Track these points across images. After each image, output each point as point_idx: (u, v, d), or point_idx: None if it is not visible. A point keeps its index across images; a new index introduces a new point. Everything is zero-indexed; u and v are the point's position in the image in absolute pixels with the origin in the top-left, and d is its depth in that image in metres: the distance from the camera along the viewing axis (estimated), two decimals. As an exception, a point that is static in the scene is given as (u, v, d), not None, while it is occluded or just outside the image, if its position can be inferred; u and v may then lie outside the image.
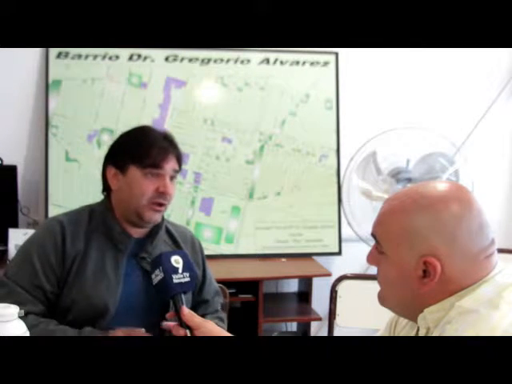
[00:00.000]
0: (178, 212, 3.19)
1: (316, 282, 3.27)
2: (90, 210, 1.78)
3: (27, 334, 1.15)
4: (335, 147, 3.44)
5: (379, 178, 3.22)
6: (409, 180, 3.17)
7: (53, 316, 1.67)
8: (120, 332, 1.60)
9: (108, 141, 3.10)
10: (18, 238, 2.86)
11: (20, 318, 1.14)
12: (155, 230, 1.78)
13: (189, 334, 1.31)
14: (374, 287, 1.22)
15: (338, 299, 2.41)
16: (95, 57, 3.22)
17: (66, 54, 3.19)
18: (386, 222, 1.15)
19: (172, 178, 1.75)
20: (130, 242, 1.75)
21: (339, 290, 2.42)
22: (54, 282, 1.68)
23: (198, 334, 1.31)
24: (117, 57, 3.25)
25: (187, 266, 1.40)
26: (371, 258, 1.19)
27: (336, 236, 3.42)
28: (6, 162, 3.15)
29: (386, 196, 2.95)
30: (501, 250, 1.21)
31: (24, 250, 1.73)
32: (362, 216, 3.18)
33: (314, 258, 3.39)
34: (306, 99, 3.43)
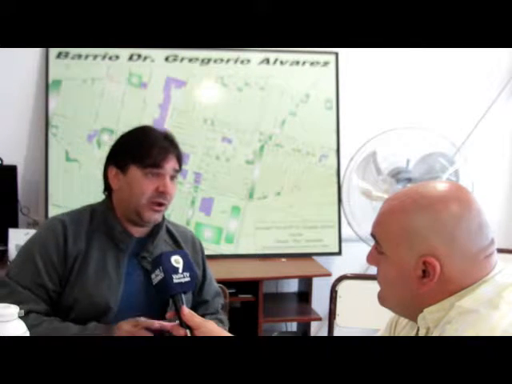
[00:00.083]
0: (178, 212, 3.19)
1: (316, 281, 3.27)
2: (92, 210, 1.79)
3: (27, 333, 1.15)
4: (335, 147, 3.44)
5: (379, 177, 3.22)
6: (409, 180, 3.17)
7: (55, 315, 1.68)
8: (124, 324, 1.60)
9: (108, 141, 3.11)
10: (18, 237, 2.86)
11: (21, 317, 1.14)
12: (156, 229, 1.79)
13: (189, 334, 1.31)
14: (373, 287, 1.22)
15: (338, 299, 2.42)
16: (95, 57, 3.22)
17: (66, 54, 3.20)
18: (386, 222, 1.15)
19: (172, 177, 1.75)
20: (131, 241, 1.76)
21: (339, 290, 2.42)
22: (56, 280, 1.68)
23: (198, 333, 1.31)
24: (117, 57, 3.25)
25: (187, 266, 1.40)
26: (371, 258, 1.19)
27: (336, 236, 3.42)
28: (6, 161, 3.15)
29: (385, 196, 2.95)
30: (501, 250, 1.22)
31: (26, 249, 1.74)
32: (362, 216, 3.18)
33: (314, 257, 3.39)
34: (306, 99, 3.43)
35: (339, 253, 3.42)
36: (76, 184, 3.17)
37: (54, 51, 3.20)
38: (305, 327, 3.42)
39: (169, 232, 1.86)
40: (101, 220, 1.76)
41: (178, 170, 1.77)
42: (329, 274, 3.11)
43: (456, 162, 3.29)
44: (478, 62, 3.62)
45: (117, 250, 1.74)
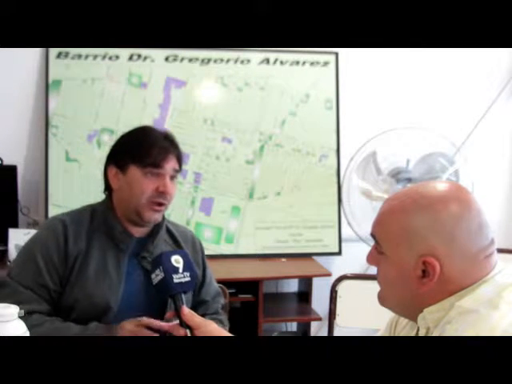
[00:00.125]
0: (178, 212, 3.19)
1: (316, 281, 3.27)
2: (92, 210, 1.79)
3: (27, 333, 1.15)
4: (335, 147, 3.44)
5: (379, 177, 3.22)
6: (409, 180, 3.17)
7: (56, 315, 1.68)
8: (127, 324, 1.60)
9: (108, 141, 3.11)
10: (18, 237, 2.86)
11: (23, 317, 1.15)
12: (156, 229, 1.79)
13: (189, 334, 1.31)
14: (373, 287, 1.22)
15: (338, 299, 2.42)
16: (95, 57, 3.22)
17: (66, 54, 3.20)
18: (386, 222, 1.15)
19: (172, 177, 1.75)
20: (132, 241, 1.76)
21: (339, 290, 2.42)
22: (57, 280, 1.69)
23: (198, 333, 1.31)
24: (117, 57, 3.25)
25: (188, 266, 1.40)
26: (371, 258, 1.19)
27: (336, 236, 3.42)
28: (6, 161, 3.15)
29: (385, 196, 2.95)
30: (501, 250, 1.22)
31: (27, 249, 1.74)
32: (362, 216, 3.18)
33: (314, 258, 3.39)
34: (306, 99, 3.43)
35: (339, 253, 3.42)
36: (76, 184, 3.17)
37: (53, 51, 3.20)
38: (305, 327, 3.42)
39: (169, 232, 1.86)
40: (101, 220, 1.76)
41: (178, 170, 1.77)
42: (329, 274, 3.11)
43: (456, 161, 3.29)
44: (478, 62, 3.62)
45: (117, 250, 1.74)
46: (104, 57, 3.23)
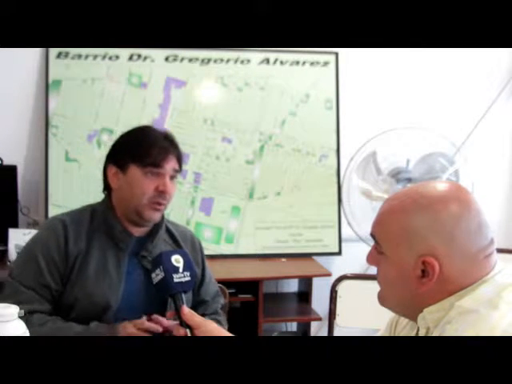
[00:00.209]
0: (177, 212, 3.18)
1: (316, 282, 3.27)
2: (92, 210, 1.79)
3: (27, 333, 1.15)
4: (335, 147, 3.44)
5: (379, 177, 3.22)
6: (409, 180, 3.17)
7: (56, 314, 1.69)
8: (129, 326, 1.61)
9: (108, 141, 3.11)
10: (18, 237, 2.86)
11: (23, 317, 1.15)
12: (155, 228, 1.79)
13: (189, 334, 1.31)
14: (373, 287, 1.22)
15: (338, 299, 2.41)
16: (95, 57, 3.22)
17: (66, 54, 3.20)
18: (386, 221, 1.15)
19: (172, 177, 1.75)
20: (131, 240, 1.76)
21: (339, 290, 2.42)
22: (58, 280, 1.70)
23: (198, 333, 1.31)
24: (117, 57, 3.25)
25: (188, 266, 1.40)
26: (371, 259, 1.19)
27: (336, 236, 3.42)
28: (6, 162, 3.15)
29: (385, 196, 2.95)
30: (501, 250, 1.22)
31: (28, 250, 1.75)
32: (362, 216, 3.18)
33: (314, 257, 3.39)
34: (306, 99, 3.43)
35: (339, 253, 3.42)
36: (76, 184, 3.17)
37: (53, 51, 3.20)
38: (305, 327, 3.42)
39: (168, 231, 1.86)
40: (101, 220, 1.76)
41: (178, 170, 1.77)
42: (329, 274, 3.11)
43: (456, 161, 3.29)
44: (478, 62, 3.62)
45: (117, 249, 1.74)
46: (104, 57, 3.23)
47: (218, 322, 1.86)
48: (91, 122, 3.21)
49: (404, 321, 1.27)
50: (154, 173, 1.71)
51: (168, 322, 1.58)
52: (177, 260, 1.39)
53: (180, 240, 1.86)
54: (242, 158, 3.36)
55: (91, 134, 3.21)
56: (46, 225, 1.86)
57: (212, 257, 2.84)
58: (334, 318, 2.41)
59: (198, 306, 1.86)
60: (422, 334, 1.15)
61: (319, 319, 3.23)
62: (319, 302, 3.21)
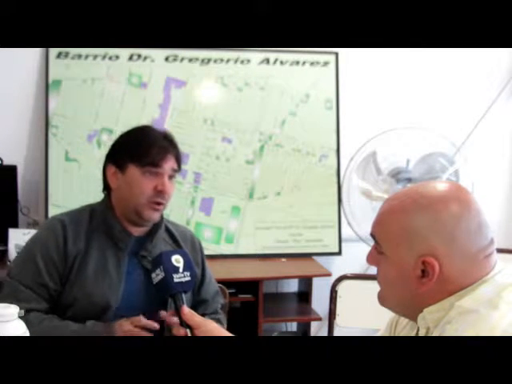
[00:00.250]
0: (177, 212, 3.18)
1: (316, 282, 3.27)
2: (91, 210, 1.79)
3: (27, 333, 1.15)
4: (335, 147, 3.44)
5: (379, 177, 3.22)
6: (409, 180, 3.17)
7: (54, 313, 1.69)
8: (125, 323, 1.61)
9: (108, 141, 3.10)
10: (18, 237, 2.86)
11: (20, 317, 1.15)
12: (155, 228, 1.79)
13: (189, 334, 1.31)
14: (373, 287, 1.22)
15: (338, 299, 2.41)
16: (95, 57, 3.22)
17: (66, 54, 3.19)
18: (386, 221, 1.15)
19: (171, 177, 1.75)
20: (130, 240, 1.76)
21: (339, 290, 2.42)
22: (57, 280, 1.70)
23: (198, 333, 1.31)
24: (117, 57, 3.24)
25: (188, 266, 1.40)
26: (371, 259, 1.19)
27: (336, 236, 3.42)
28: (6, 162, 3.14)
29: (385, 196, 2.95)
30: (501, 250, 1.22)
31: (27, 249, 1.75)
32: (362, 216, 3.18)
33: (314, 258, 3.39)
34: (306, 99, 3.43)
35: (339, 253, 3.42)
36: (76, 184, 3.16)
37: (53, 51, 3.20)
38: (305, 327, 3.42)
39: (168, 231, 1.86)
40: (100, 219, 1.77)
41: (177, 170, 1.77)
42: (329, 274, 3.11)
43: (456, 161, 3.29)
44: (478, 62, 3.62)
45: (116, 249, 1.74)
46: (104, 57, 3.23)
47: (218, 320, 1.87)
48: (91, 121, 3.21)
49: (404, 321, 1.27)
50: (153, 172, 1.71)
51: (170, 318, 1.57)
52: (177, 260, 1.39)
53: (180, 240, 1.86)
54: (242, 158, 3.36)
55: (91, 134, 3.20)
56: (45, 225, 1.87)
57: (212, 257, 2.84)
58: (334, 317, 2.41)
59: (198, 305, 1.86)
60: (422, 334, 1.15)
61: (319, 319, 3.23)
62: (319, 302, 3.21)
